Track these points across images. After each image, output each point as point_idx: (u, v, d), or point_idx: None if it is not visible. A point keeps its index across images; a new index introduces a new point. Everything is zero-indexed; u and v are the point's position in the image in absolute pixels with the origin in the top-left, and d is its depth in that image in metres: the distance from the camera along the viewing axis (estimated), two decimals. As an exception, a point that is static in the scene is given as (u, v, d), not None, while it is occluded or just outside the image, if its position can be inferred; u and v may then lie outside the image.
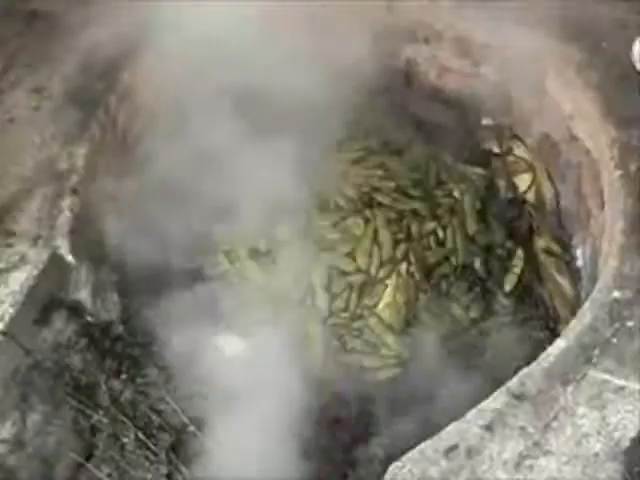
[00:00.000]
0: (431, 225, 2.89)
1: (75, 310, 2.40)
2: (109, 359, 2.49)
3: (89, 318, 2.45)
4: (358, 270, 2.77)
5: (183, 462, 2.37)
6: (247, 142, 2.77)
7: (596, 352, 1.94)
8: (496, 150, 3.30)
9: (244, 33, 2.78)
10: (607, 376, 1.89)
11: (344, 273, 2.76)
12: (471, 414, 1.84)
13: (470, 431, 1.81)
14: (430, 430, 1.86)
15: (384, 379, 2.65)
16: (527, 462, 1.75)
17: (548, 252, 2.98)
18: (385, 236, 2.80)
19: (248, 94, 2.97)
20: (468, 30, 3.15)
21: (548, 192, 3.12)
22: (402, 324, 2.71)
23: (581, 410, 1.83)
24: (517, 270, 2.90)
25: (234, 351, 2.67)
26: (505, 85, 3.18)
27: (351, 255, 2.79)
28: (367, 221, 2.83)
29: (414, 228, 2.87)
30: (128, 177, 2.83)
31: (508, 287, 2.86)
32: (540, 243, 3.01)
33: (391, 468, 1.78)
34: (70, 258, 2.34)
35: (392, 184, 2.95)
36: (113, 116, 2.84)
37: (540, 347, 2.15)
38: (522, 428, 1.81)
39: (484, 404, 1.86)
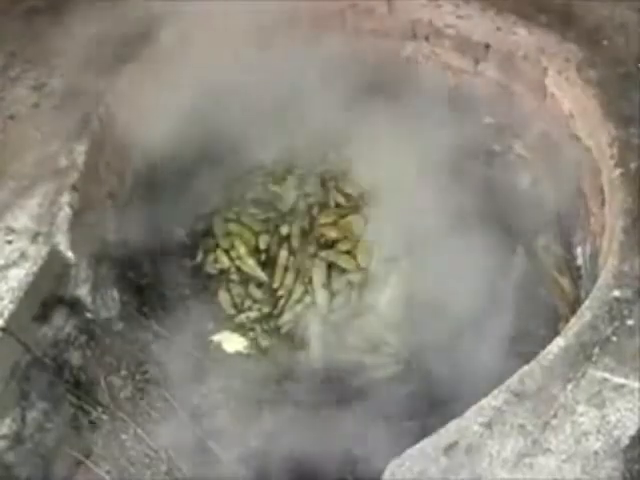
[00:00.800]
0: (431, 223, 2.89)
1: (75, 307, 2.40)
2: (109, 356, 2.49)
3: (89, 315, 2.45)
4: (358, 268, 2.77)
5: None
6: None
7: (596, 350, 1.93)
8: (496, 149, 3.30)
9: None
10: (607, 374, 1.88)
11: (344, 271, 2.77)
12: (471, 411, 1.84)
13: (470, 429, 1.80)
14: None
15: (384, 377, 2.65)
16: (526, 460, 1.74)
17: (548, 251, 2.98)
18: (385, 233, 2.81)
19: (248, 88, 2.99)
20: (468, 28, 3.14)
21: (548, 191, 3.11)
22: (403, 322, 2.71)
23: (581, 408, 1.82)
24: (517, 270, 2.89)
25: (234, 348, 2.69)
26: (505, 83, 3.18)
27: (351, 253, 2.80)
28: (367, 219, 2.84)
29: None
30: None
31: (508, 287, 2.86)
32: (540, 242, 3.01)
33: (390, 466, 1.78)
34: (70, 255, 2.33)
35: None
36: (113, 113, 2.83)
37: (540, 346, 2.14)
38: (521, 426, 1.80)
39: (484, 402, 1.85)
